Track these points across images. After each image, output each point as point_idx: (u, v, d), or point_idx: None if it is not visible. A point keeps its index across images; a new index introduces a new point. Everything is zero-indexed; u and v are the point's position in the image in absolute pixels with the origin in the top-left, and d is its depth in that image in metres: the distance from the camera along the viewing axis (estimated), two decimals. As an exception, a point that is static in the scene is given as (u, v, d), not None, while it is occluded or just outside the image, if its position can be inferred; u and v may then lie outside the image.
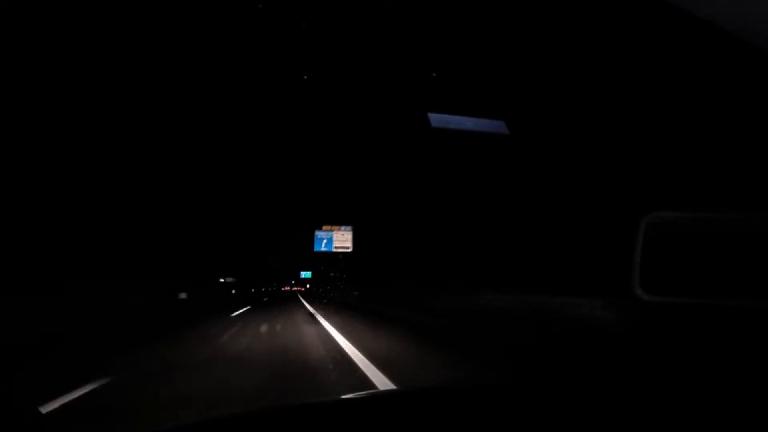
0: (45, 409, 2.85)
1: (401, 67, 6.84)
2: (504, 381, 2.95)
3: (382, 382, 3.65)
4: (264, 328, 8.63)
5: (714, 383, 2.34)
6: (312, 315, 12.65)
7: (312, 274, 70.26)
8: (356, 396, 1.19)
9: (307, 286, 76.00)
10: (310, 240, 26.91)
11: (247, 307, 17.27)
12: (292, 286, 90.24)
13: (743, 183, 3.50)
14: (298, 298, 33.84)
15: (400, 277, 20.12)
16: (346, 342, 6.18)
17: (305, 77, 7.16)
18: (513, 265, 9.31)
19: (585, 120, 6.42)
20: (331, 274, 55.99)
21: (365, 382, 3.68)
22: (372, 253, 26.85)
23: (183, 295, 21.48)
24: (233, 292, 38.52)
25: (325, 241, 26.71)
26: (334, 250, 27.03)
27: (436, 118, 6.58)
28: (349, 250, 27.21)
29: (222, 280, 41.38)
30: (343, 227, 26.82)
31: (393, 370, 4.07)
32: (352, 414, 1.00)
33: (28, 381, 3.96)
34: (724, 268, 0.89)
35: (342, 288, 37.25)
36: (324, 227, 26.85)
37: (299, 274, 72.49)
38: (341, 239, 26.81)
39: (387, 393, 2.18)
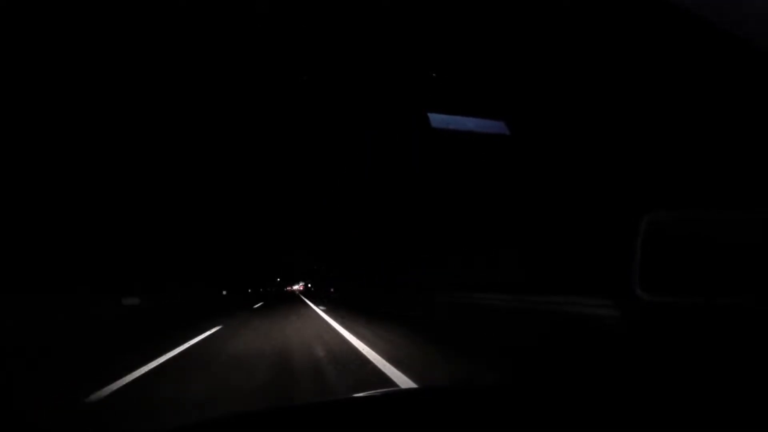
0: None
1: (400, 67, 6.81)
2: (504, 381, 2.94)
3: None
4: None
5: (713, 383, 2.34)
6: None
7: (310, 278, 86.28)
8: (355, 396, 1.19)
9: (308, 285, 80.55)
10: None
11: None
12: (293, 284, 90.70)
13: (743, 183, 3.50)
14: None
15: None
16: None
17: (305, 77, 7.13)
18: (510, 265, 9.30)
19: (585, 120, 6.40)
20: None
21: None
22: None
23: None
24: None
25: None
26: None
27: (436, 119, 6.56)
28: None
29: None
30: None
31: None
32: (352, 414, 1.00)
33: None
34: (724, 268, 0.89)
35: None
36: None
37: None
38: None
39: (386, 393, 2.17)
